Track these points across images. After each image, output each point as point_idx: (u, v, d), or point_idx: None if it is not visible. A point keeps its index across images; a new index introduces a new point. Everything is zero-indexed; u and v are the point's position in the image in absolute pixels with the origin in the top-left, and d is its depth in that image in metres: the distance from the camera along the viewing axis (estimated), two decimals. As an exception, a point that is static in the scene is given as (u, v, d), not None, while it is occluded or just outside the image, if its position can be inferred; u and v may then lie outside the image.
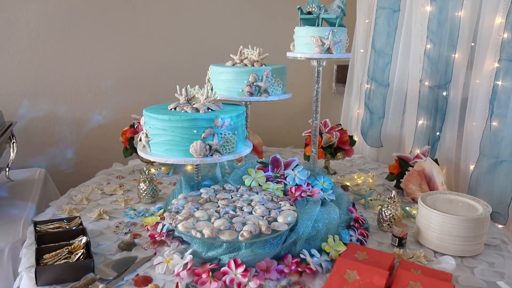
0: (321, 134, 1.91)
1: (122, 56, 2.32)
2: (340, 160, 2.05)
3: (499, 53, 1.54)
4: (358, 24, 2.33)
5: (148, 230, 1.40)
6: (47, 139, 2.29)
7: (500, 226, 1.59)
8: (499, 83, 1.56)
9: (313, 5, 1.53)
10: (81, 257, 1.15)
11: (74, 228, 1.33)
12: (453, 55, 1.80)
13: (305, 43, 1.52)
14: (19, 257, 1.29)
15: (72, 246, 1.20)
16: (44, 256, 1.15)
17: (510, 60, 1.51)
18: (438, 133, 1.92)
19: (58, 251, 1.17)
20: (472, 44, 1.73)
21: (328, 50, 1.49)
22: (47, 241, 1.23)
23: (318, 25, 1.54)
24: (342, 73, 2.59)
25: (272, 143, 2.50)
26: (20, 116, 2.19)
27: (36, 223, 1.34)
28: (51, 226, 1.33)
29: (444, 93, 1.86)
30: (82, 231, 1.29)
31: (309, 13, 1.55)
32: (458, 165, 1.83)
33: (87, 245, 1.21)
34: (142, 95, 2.38)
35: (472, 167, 1.70)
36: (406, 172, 1.74)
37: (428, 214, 1.33)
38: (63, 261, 1.13)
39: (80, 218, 1.39)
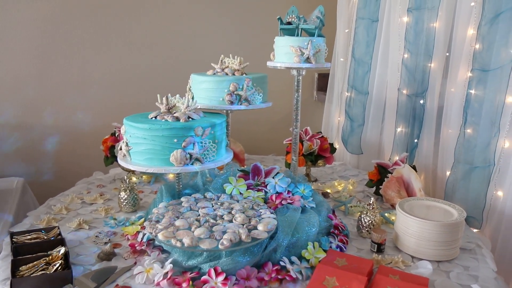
0: (302, 141, 1.93)
1: (103, 65, 2.31)
2: (321, 167, 2.08)
3: (472, 63, 1.59)
4: (339, 33, 2.38)
5: (128, 239, 1.39)
6: (26, 148, 2.25)
7: (475, 230, 1.63)
8: (472, 91, 1.61)
9: (293, 16, 1.55)
10: (59, 268, 1.14)
11: (52, 238, 1.31)
12: (429, 65, 1.84)
13: (284, 52, 1.55)
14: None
15: (50, 257, 1.18)
16: (20, 268, 1.14)
17: (482, 70, 1.56)
18: (416, 140, 1.96)
19: (35, 262, 1.16)
20: (447, 54, 1.78)
21: (307, 60, 1.52)
22: (24, 252, 1.21)
23: (297, 35, 1.57)
24: (323, 81, 2.63)
25: (254, 150, 2.51)
26: (-1, 125, 2.16)
27: (12, 234, 1.32)
28: (29, 237, 1.31)
29: (421, 101, 1.91)
30: (61, 242, 1.27)
31: (289, 23, 1.58)
32: (435, 172, 1.87)
33: (66, 255, 1.19)
34: (123, 104, 2.37)
35: (448, 173, 1.74)
36: (385, 179, 1.77)
37: (406, 220, 1.36)
38: (40, 272, 1.12)
39: (59, 228, 1.37)
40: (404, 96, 1.97)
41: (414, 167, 1.78)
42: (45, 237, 1.32)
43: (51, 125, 2.28)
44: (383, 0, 2.07)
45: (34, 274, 1.11)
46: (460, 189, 1.69)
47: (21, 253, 1.21)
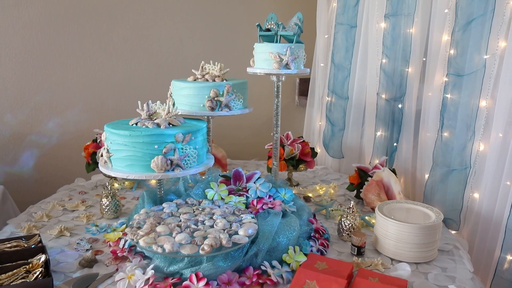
0: (283, 146, 1.95)
1: (83, 71, 2.30)
2: (303, 172, 2.10)
3: (447, 68, 1.64)
4: (318, 39, 2.41)
5: (110, 246, 1.38)
6: (6, 154, 2.23)
7: (453, 232, 1.67)
8: (448, 96, 1.65)
9: (272, 22, 1.57)
10: (40, 276, 1.13)
11: (33, 246, 1.30)
12: (407, 70, 1.88)
13: (264, 59, 1.57)
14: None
15: (30, 265, 1.17)
16: (0, 277, 1.13)
17: (457, 75, 1.61)
18: (395, 144, 2.00)
19: (15, 270, 1.15)
20: (424, 59, 1.82)
21: (286, 66, 1.54)
22: (3, 260, 1.20)
23: (276, 42, 1.59)
24: (304, 86, 2.66)
25: (237, 155, 2.52)
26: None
27: (-8, 243, 1.31)
28: (8, 245, 1.30)
29: (400, 105, 1.95)
30: (42, 249, 1.26)
31: (268, 30, 1.60)
32: (414, 175, 1.91)
33: (46, 263, 1.19)
34: (105, 110, 2.36)
35: (427, 176, 1.78)
36: (366, 182, 1.80)
37: (385, 223, 1.39)
38: (20, 280, 1.11)
39: (39, 235, 1.36)
40: (383, 101, 2.01)
41: (393, 171, 1.81)
42: (26, 245, 1.31)
43: (31, 131, 2.26)
44: (361, 7, 2.11)
45: (14, 283, 1.10)
46: (439, 191, 1.72)
47: (1, 261, 1.20)
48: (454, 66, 1.61)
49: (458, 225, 1.68)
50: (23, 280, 1.12)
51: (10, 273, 1.14)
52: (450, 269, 1.32)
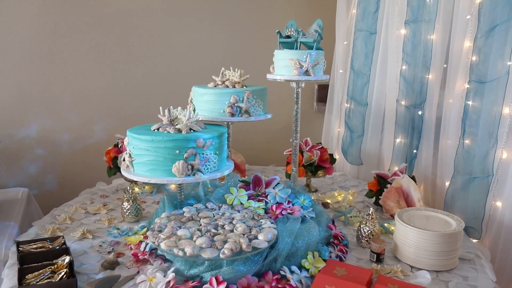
0: (302, 152, 1.96)
1: (106, 77, 2.35)
2: (321, 178, 2.10)
3: (469, 74, 1.62)
4: (337, 45, 2.42)
5: (131, 249, 1.41)
6: (31, 159, 2.29)
7: (474, 240, 1.64)
8: (470, 103, 1.63)
9: (292, 29, 1.59)
10: (64, 276, 1.16)
11: (57, 247, 1.34)
12: (427, 76, 1.87)
13: (284, 65, 1.58)
14: (1, 278, 1.29)
15: (55, 266, 1.21)
16: (27, 276, 1.16)
17: (479, 82, 1.59)
18: (415, 151, 1.98)
19: (41, 271, 1.18)
20: (445, 65, 1.81)
21: (306, 73, 1.55)
22: (30, 261, 1.24)
23: (296, 48, 1.61)
24: (323, 92, 2.66)
25: (255, 161, 2.54)
26: (3, 136, 2.19)
27: (18, 243, 1.35)
28: (34, 246, 1.34)
29: (420, 112, 1.93)
30: (66, 251, 1.30)
31: (288, 36, 1.61)
32: (434, 182, 1.89)
33: (70, 264, 1.22)
34: (126, 116, 2.40)
35: (447, 183, 1.76)
36: (385, 189, 1.79)
37: (404, 230, 1.38)
38: (46, 281, 1.14)
39: (63, 237, 1.40)
40: (403, 107, 2.00)
41: (413, 178, 1.80)
42: (50, 246, 1.35)
43: (54, 136, 2.31)
44: (380, 13, 2.11)
45: (40, 282, 1.13)
46: (460, 199, 1.70)
47: (27, 261, 1.24)
48: (476, 73, 1.59)
49: (480, 233, 1.66)
50: (48, 280, 1.15)
51: (36, 273, 1.17)
52: (472, 278, 1.30)
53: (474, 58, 1.60)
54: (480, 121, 1.61)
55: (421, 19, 1.86)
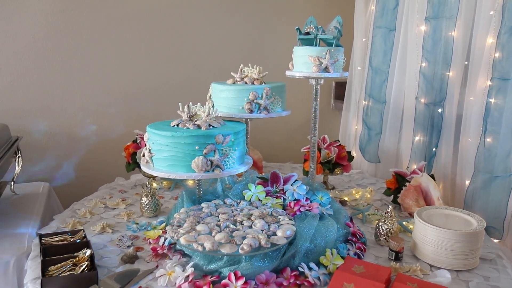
0: (319, 149, 1.95)
1: (126, 73, 2.37)
2: (338, 175, 2.09)
3: (491, 71, 1.59)
4: (356, 42, 2.40)
5: (150, 243, 1.42)
6: (51, 154, 2.33)
7: (496, 240, 1.62)
8: (492, 100, 1.60)
9: (311, 26, 1.58)
10: (86, 269, 1.18)
11: (78, 241, 1.36)
12: (448, 73, 1.85)
13: (303, 62, 1.57)
14: (24, 269, 1.32)
15: (77, 259, 1.23)
16: (49, 268, 1.18)
17: (502, 79, 1.56)
18: (434, 149, 1.96)
19: (63, 263, 1.21)
20: (466, 62, 1.78)
21: (326, 69, 1.55)
22: (52, 253, 1.26)
23: (316, 45, 1.60)
24: (340, 90, 2.64)
25: (272, 158, 2.54)
26: (25, 131, 2.23)
27: (41, 236, 1.38)
28: (56, 239, 1.36)
29: (440, 110, 1.91)
30: (86, 244, 1.32)
31: (307, 33, 1.60)
32: (454, 181, 1.86)
33: (91, 257, 1.24)
34: (145, 112, 2.42)
35: (467, 182, 1.73)
36: (403, 187, 1.77)
37: (424, 229, 1.36)
38: (68, 273, 1.17)
39: (84, 231, 1.42)
40: (422, 105, 1.97)
41: (432, 176, 1.78)
42: (71, 240, 1.37)
43: (74, 132, 2.35)
44: (400, 10, 2.08)
45: (62, 274, 1.15)
46: (480, 198, 1.68)
47: (49, 254, 1.26)
48: (499, 70, 1.56)
49: (502, 233, 1.63)
50: (70, 272, 1.17)
51: (58, 265, 1.20)
52: (493, 279, 1.28)
53: (497, 55, 1.57)
54: (503, 119, 1.58)
55: (442, 16, 1.84)
